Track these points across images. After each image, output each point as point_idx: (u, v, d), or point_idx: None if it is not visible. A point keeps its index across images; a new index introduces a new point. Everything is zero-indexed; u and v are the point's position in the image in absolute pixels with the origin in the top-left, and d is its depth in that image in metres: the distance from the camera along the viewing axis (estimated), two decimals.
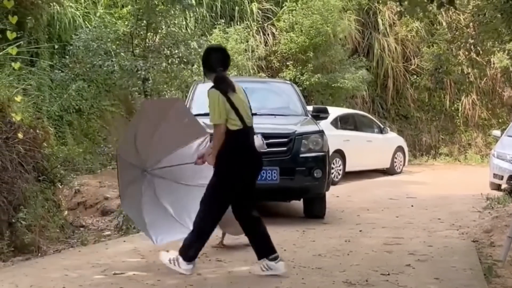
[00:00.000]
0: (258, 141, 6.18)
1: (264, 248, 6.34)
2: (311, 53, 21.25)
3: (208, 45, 5.69)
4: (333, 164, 15.82)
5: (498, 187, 14.47)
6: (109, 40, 15.26)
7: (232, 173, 6.13)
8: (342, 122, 17.51)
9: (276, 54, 22.49)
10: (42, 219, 8.28)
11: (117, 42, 15.57)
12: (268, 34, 22.93)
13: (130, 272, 6.29)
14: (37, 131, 8.99)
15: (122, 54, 15.42)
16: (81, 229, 9.51)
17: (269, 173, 9.28)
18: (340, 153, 16.32)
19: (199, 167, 6.55)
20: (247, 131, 6.15)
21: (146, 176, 6.80)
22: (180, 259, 6.15)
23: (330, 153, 12.90)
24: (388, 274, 6.35)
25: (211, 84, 6.05)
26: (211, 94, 6.06)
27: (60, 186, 10.12)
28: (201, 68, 17.77)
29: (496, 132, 16.97)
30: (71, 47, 15.53)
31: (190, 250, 6.17)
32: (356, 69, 22.43)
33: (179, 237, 6.41)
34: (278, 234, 8.09)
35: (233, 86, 6.13)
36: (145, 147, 6.73)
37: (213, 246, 7.47)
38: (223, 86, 6.08)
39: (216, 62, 6.27)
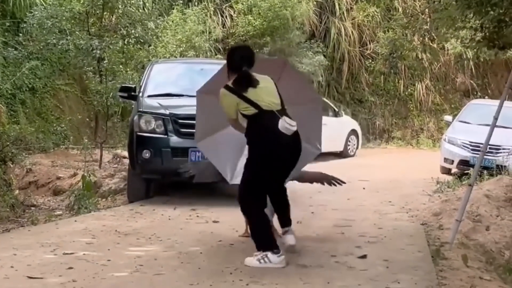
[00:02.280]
0: (281, 122, 5.95)
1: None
2: (268, 37, 21.27)
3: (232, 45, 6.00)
4: None
5: (448, 171, 14.66)
6: (64, 18, 15.04)
7: (257, 155, 6.08)
8: None
9: (233, 36, 22.43)
10: None
11: (73, 21, 15.36)
12: (226, 16, 22.88)
13: (80, 252, 6.25)
14: None
15: (77, 33, 15.23)
16: (32, 208, 9.45)
17: None
18: None
19: None
20: (262, 114, 6.01)
21: None
22: (268, 253, 5.91)
23: None
24: (336, 256, 6.43)
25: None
26: (220, 94, 6.14)
27: (12, 165, 10.04)
28: (158, 49, 17.66)
29: (447, 117, 17.17)
30: (25, 25, 15.33)
31: (263, 239, 6.02)
32: (313, 53, 22.55)
33: None
34: (232, 215, 8.12)
35: (252, 84, 6.05)
36: None
37: (240, 236, 7.36)
38: (237, 88, 6.05)
39: (241, 60, 6.21)
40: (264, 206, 6.20)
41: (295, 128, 6.03)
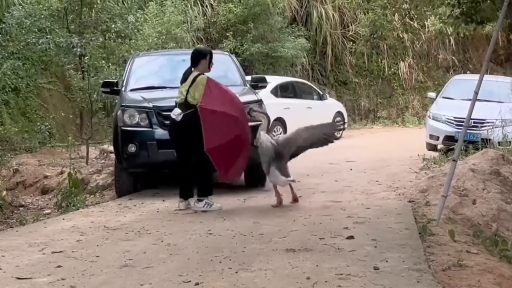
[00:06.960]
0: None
1: None
2: (251, 23, 21.30)
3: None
4: (274, 132, 15.99)
5: (434, 148, 14.72)
6: (42, 16, 15.00)
7: None
8: (282, 90, 17.64)
9: (215, 25, 22.43)
10: None
11: (51, 19, 15.32)
12: (206, 6, 22.84)
13: (69, 250, 6.23)
14: None
15: (57, 30, 15.18)
16: (21, 208, 9.45)
17: None
18: (280, 121, 16.51)
19: None
20: None
21: None
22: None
23: (271, 121, 12.98)
24: (325, 238, 6.46)
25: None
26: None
27: None
28: (139, 42, 17.57)
29: (431, 94, 17.21)
30: (3, 25, 15.27)
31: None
32: (295, 37, 22.60)
33: None
34: (220, 204, 8.36)
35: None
36: None
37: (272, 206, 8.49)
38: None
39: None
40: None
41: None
